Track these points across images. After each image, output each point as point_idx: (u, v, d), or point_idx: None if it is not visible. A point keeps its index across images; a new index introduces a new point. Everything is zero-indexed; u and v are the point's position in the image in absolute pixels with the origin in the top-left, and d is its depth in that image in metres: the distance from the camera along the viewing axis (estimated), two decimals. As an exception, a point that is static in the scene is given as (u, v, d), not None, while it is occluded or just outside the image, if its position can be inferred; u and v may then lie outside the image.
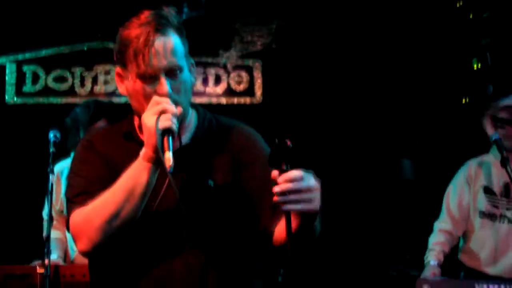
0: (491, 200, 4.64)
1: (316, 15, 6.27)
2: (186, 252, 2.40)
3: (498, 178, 4.62)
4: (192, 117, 2.57)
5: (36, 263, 4.32)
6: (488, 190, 4.65)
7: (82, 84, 6.39)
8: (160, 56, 2.36)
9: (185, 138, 2.51)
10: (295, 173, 2.14)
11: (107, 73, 6.37)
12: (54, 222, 4.66)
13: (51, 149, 4.31)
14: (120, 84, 2.49)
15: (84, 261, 4.50)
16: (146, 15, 2.42)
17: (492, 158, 4.66)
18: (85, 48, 6.38)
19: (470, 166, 4.73)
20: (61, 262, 4.51)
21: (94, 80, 6.40)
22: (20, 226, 5.83)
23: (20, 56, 6.40)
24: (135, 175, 2.32)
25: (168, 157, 2.23)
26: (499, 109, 4.60)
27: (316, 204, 2.22)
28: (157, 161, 2.29)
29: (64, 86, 6.39)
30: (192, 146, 2.51)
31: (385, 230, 5.99)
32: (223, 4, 6.38)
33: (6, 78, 6.38)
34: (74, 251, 4.72)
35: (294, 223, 2.19)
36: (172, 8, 2.47)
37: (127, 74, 2.43)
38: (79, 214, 2.38)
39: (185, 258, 2.39)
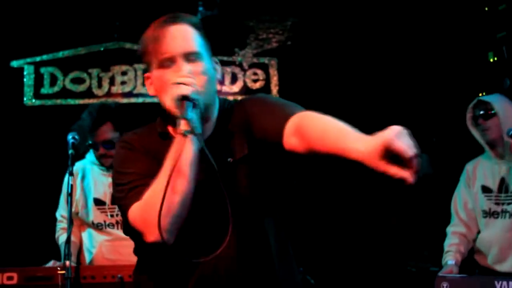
0: (490, 198, 4.66)
1: (331, 12, 6.27)
2: (229, 236, 2.35)
3: (494, 175, 4.65)
4: (215, 110, 2.61)
5: (55, 264, 4.35)
6: (485, 189, 4.68)
7: (100, 85, 6.43)
8: (177, 40, 2.44)
9: (208, 131, 2.54)
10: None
11: (124, 73, 6.40)
12: (66, 225, 4.69)
13: (70, 151, 4.35)
14: (149, 86, 2.54)
15: (103, 262, 4.59)
16: (162, 17, 2.50)
17: (486, 157, 4.70)
18: (102, 49, 6.41)
19: (467, 169, 4.81)
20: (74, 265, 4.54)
21: (111, 81, 6.43)
22: (35, 227, 5.87)
23: (37, 58, 6.45)
24: (176, 151, 2.32)
25: (184, 122, 2.31)
26: (474, 107, 4.69)
27: None
28: (190, 131, 2.33)
29: (81, 88, 6.43)
30: (214, 138, 2.53)
31: (404, 226, 5.99)
32: (238, 2, 6.39)
33: (24, 80, 6.43)
34: (91, 253, 4.75)
35: None
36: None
37: (152, 72, 2.49)
38: (137, 208, 2.39)
39: (228, 242, 2.36)
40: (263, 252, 2.52)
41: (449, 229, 4.79)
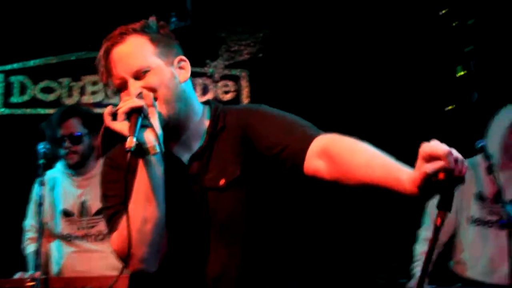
0: (485, 207, 4.63)
1: (303, 24, 6.30)
2: (211, 254, 2.37)
3: (489, 184, 4.62)
4: (205, 117, 2.53)
5: (22, 275, 4.31)
6: (480, 197, 4.64)
7: (70, 95, 6.38)
8: (121, 63, 2.39)
9: (200, 140, 2.47)
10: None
11: (94, 83, 6.36)
12: (35, 235, 4.66)
13: (41, 161, 4.33)
14: None
15: (71, 275, 4.55)
16: (110, 35, 2.48)
17: (481, 162, 4.64)
18: (73, 58, 6.38)
19: None
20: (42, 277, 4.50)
21: (82, 91, 6.39)
22: (1, 238, 5.80)
23: (7, 67, 6.38)
24: (141, 175, 2.27)
25: (130, 140, 2.18)
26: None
27: None
28: (146, 152, 2.26)
29: (51, 97, 6.38)
30: (206, 148, 2.46)
31: (372, 238, 6.00)
32: (210, 13, 6.39)
33: (-6, 88, 6.38)
34: (59, 264, 4.72)
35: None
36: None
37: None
38: (114, 239, 2.35)
39: (211, 260, 2.37)
40: (256, 278, 2.44)
41: (421, 233, 4.70)
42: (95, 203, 4.69)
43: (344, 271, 5.98)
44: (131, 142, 2.18)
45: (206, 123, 2.51)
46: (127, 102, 2.27)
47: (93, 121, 4.77)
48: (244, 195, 2.42)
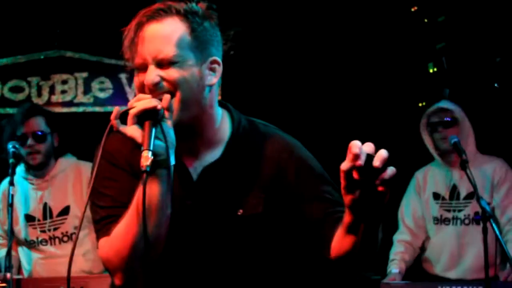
0: (441, 205, 4.71)
1: (274, 22, 6.28)
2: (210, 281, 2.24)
3: (444, 182, 4.71)
4: (225, 125, 2.29)
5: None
6: (436, 196, 4.73)
7: (39, 94, 6.30)
8: (149, 43, 2.11)
9: (216, 151, 2.25)
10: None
11: (64, 82, 6.28)
12: (3, 241, 4.61)
13: (11, 160, 4.26)
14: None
15: (42, 275, 4.50)
16: (149, 7, 2.18)
17: (436, 164, 4.75)
18: (42, 57, 6.30)
19: (417, 177, 4.85)
20: (17, 277, 4.44)
21: (51, 90, 6.31)
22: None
23: (-25, 66, 6.32)
24: (148, 188, 1.96)
25: (144, 155, 1.93)
26: (431, 114, 4.71)
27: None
28: (156, 165, 1.98)
29: (20, 96, 6.29)
30: (223, 163, 2.24)
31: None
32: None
33: (-38, 88, 6.30)
34: (27, 270, 4.66)
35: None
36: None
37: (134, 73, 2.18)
38: (104, 245, 2.15)
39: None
40: None
41: (395, 237, 4.84)
42: (56, 204, 4.64)
43: (318, 269, 5.98)
44: (146, 159, 1.92)
45: (225, 133, 2.28)
46: (141, 102, 2.02)
47: (57, 121, 4.71)
48: (258, 232, 2.27)
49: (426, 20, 6.17)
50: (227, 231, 2.23)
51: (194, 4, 2.20)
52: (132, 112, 2.01)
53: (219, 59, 2.24)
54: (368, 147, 1.79)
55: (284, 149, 2.29)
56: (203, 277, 2.25)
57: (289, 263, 2.46)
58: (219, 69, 2.24)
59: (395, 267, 4.67)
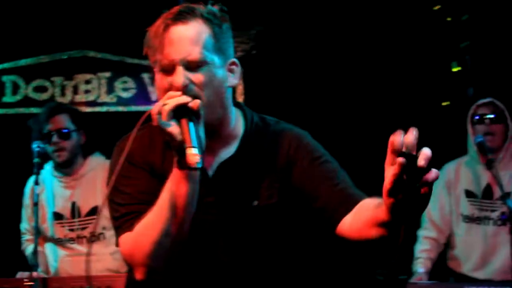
0: (474, 203, 4.64)
1: (296, 21, 6.27)
2: (225, 274, 2.28)
3: (479, 180, 4.63)
4: (239, 123, 2.36)
5: (22, 275, 4.29)
6: (469, 194, 4.66)
7: (63, 94, 6.32)
8: (177, 45, 2.14)
9: (231, 148, 2.31)
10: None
11: (87, 82, 6.30)
12: (31, 237, 4.62)
13: (36, 160, 4.28)
14: (155, 87, 2.26)
15: (68, 273, 4.53)
16: (172, 10, 2.22)
17: (470, 160, 4.67)
18: (65, 57, 6.33)
19: (449, 171, 4.73)
20: (44, 276, 4.47)
21: (75, 90, 6.33)
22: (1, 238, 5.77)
23: (-1, 66, 6.36)
24: (173, 187, 2.09)
25: (191, 153, 1.97)
26: (481, 105, 4.64)
27: None
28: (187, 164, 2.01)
29: (44, 96, 6.32)
30: (238, 158, 2.30)
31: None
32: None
33: (-14, 89, 6.34)
34: (54, 267, 4.68)
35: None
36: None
37: (156, 73, 2.22)
38: (127, 240, 2.20)
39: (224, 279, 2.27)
40: None
41: (421, 233, 4.75)
42: (85, 204, 4.65)
43: (343, 268, 5.96)
44: (195, 156, 1.97)
45: (239, 130, 2.35)
46: (174, 99, 2.07)
47: (82, 119, 4.73)
48: (274, 222, 2.32)
49: (449, 19, 6.13)
50: (244, 223, 2.28)
51: (212, 7, 2.25)
52: (166, 108, 2.05)
53: (236, 61, 2.30)
54: (411, 137, 1.76)
55: (293, 139, 2.35)
56: (222, 270, 2.29)
57: (306, 256, 2.48)
58: (238, 70, 2.31)
59: (420, 266, 4.63)
